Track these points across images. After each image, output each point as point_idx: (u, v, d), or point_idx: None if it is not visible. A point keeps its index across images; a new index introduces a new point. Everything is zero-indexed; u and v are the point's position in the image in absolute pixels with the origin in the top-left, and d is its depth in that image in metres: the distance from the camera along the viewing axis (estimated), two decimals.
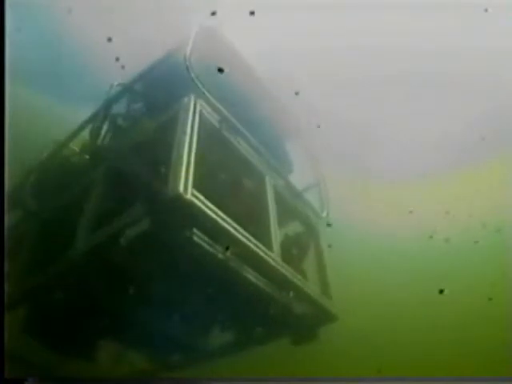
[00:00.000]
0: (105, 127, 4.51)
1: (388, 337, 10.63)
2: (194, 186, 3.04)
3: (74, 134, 4.86)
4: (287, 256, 4.00)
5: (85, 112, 4.82)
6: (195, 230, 3.20)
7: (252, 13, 4.84)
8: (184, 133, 3.32)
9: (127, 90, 4.60)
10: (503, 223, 10.73)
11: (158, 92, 4.54)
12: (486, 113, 11.56)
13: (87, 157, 4.65)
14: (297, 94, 5.37)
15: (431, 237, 10.69)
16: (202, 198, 3.03)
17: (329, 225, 4.91)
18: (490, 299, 9.52)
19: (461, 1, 9.90)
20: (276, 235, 3.83)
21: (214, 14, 4.54)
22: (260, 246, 3.47)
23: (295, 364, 8.35)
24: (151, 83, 4.56)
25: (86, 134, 4.72)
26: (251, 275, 3.61)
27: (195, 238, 3.19)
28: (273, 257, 3.59)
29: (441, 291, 7.63)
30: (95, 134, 4.49)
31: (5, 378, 3.20)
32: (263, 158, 4.31)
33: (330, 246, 4.79)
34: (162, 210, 3.02)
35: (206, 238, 3.26)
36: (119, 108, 4.74)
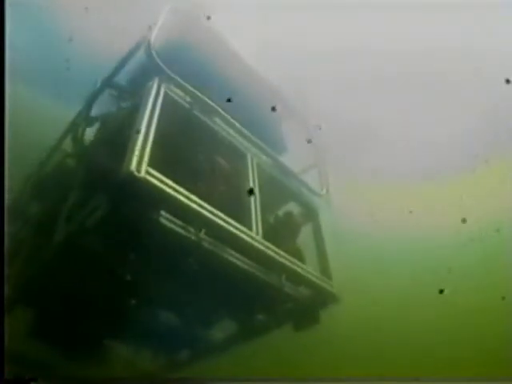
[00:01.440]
0: (86, 124, 4.49)
1: (389, 338, 10.63)
2: (159, 167, 3.03)
3: (65, 134, 4.88)
4: (274, 235, 3.91)
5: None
6: (163, 212, 3.18)
7: (209, 17, 4.70)
8: (142, 115, 3.32)
9: (105, 84, 4.54)
10: (503, 223, 10.73)
11: (131, 82, 4.63)
12: (485, 113, 11.56)
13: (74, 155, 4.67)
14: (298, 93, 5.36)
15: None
16: (161, 176, 2.99)
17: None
18: (500, 298, 9.52)
19: (461, 1, 9.90)
20: (257, 214, 3.73)
21: (209, 18, 4.53)
22: (237, 225, 3.38)
23: (298, 350, 8.34)
24: (125, 74, 4.60)
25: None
26: (233, 257, 3.55)
27: (163, 220, 3.16)
28: (252, 235, 3.50)
29: (441, 291, 7.63)
30: (77, 132, 4.52)
31: (5, 378, 3.20)
32: (246, 138, 4.25)
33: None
34: (116, 190, 2.99)
35: (176, 220, 3.23)
36: (102, 103, 4.72)
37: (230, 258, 3.54)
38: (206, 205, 3.20)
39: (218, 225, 3.25)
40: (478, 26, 10.19)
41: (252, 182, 4.00)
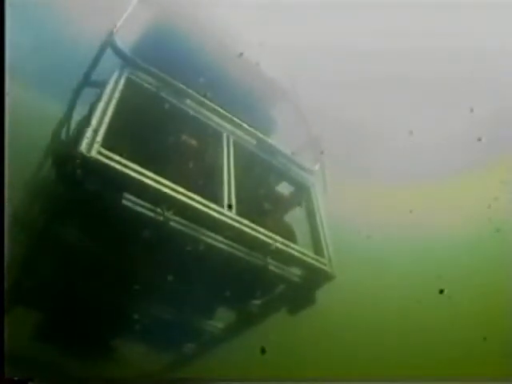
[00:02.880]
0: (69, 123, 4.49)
1: (389, 338, 10.64)
2: (122, 150, 3.04)
3: (54, 134, 4.88)
4: (256, 214, 3.88)
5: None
6: (127, 194, 3.18)
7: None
8: (99, 99, 3.37)
9: (83, 82, 4.49)
10: (504, 224, 10.72)
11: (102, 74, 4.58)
12: (485, 114, 11.56)
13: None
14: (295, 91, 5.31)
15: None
16: (116, 157, 2.99)
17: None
18: (500, 298, 9.52)
19: (461, 1, 9.90)
20: (230, 192, 3.67)
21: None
22: (205, 202, 3.32)
23: (293, 334, 8.29)
24: (99, 67, 4.62)
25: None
26: (206, 236, 3.49)
27: (126, 202, 3.17)
28: (222, 212, 3.42)
29: (441, 291, 7.62)
30: (60, 132, 4.56)
31: (4, 378, 3.20)
32: (224, 118, 4.21)
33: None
34: (71, 173, 2.97)
35: (141, 202, 3.22)
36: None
37: (203, 237, 3.48)
38: (171, 184, 3.17)
39: (184, 203, 3.21)
40: (479, 26, 10.18)
41: (226, 159, 3.94)
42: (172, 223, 3.33)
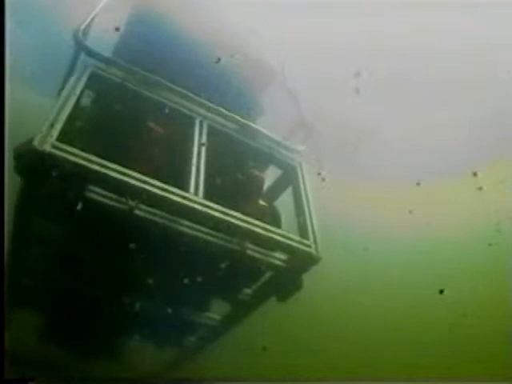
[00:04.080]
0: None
1: (388, 338, 10.64)
2: (84, 142, 3.08)
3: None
4: (231, 198, 3.79)
5: None
6: (91, 187, 3.19)
7: (117, 29, 4.72)
8: (61, 94, 3.41)
9: (65, 79, 4.56)
10: (504, 224, 10.72)
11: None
12: (485, 114, 11.55)
13: None
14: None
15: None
16: (73, 150, 3.00)
17: None
18: (500, 299, 9.51)
19: (461, 1, 9.89)
20: (199, 177, 3.58)
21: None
22: (170, 188, 3.27)
23: (282, 321, 8.24)
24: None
25: None
26: (174, 223, 3.46)
27: (88, 194, 3.18)
28: (188, 196, 3.35)
29: (441, 291, 7.62)
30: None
31: (4, 378, 3.20)
32: (198, 104, 4.17)
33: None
34: (27, 169, 2.98)
35: (104, 193, 3.23)
36: None
37: (172, 225, 3.45)
38: (133, 173, 3.15)
39: (147, 190, 3.17)
40: (480, 27, 10.18)
41: (197, 145, 3.87)
42: (137, 212, 3.31)
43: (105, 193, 3.26)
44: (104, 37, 4.53)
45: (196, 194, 3.43)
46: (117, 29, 4.68)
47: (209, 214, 3.36)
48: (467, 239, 11.54)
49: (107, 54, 4.21)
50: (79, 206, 3.20)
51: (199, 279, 4.04)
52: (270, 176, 4.80)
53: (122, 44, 4.65)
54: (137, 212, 3.32)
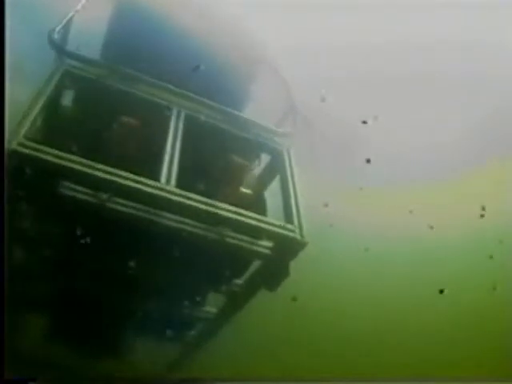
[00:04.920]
0: None
1: (388, 338, 10.64)
2: (56, 140, 3.15)
3: None
4: (209, 186, 3.79)
5: None
6: (65, 183, 3.22)
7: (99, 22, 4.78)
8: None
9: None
10: (504, 224, 10.73)
11: None
12: (485, 114, 11.55)
13: None
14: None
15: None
16: (41, 147, 3.03)
17: None
18: (500, 299, 9.51)
19: (461, 1, 9.89)
20: (171, 166, 3.54)
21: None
22: (141, 179, 3.26)
23: (283, 322, 8.18)
24: None
25: None
26: (151, 215, 3.46)
27: (62, 191, 3.21)
28: (160, 187, 3.32)
29: (441, 291, 7.62)
30: None
31: (4, 378, 3.20)
32: (177, 94, 4.16)
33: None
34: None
35: (78, 188, 3.27)
36: None
37: (145, 215, 3.45)
38: (104, 167, 3.16)
39: (116, 182, 3.17)
40: (480, 24, 10.18)
41: (172, 135, 3.85)
42: (110, 205, 3.33)
43: (78, 188, 3.29)
44: (89, 32, 4.59)
45: (168, 183, 3.37)
46: (98, 22, 4.74)
47: (182, 202, 3.30)
48: (467, 239, 11.55)
49: (93, 49, 4.37)
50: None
51: (182, 271, 4.03)
52: (257, 162, 4.72)
53: (108, 38, 4.67)
54: (110, 205, 3.33)
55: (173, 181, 3.41)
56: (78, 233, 3.60)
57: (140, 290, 4.24)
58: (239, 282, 4.39)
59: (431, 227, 10.78)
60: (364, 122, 5.72)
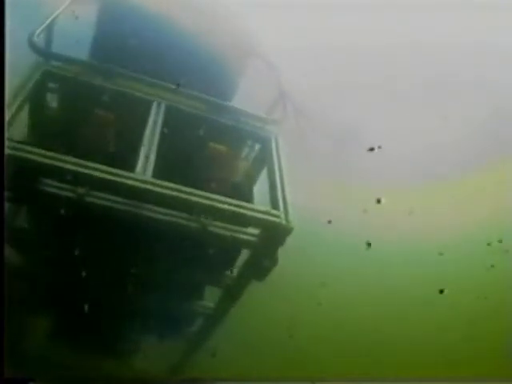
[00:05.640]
0: None
1: (388, 338, 10.64)
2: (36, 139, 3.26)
3: None
4: (190, 177, 3.70)
5: None
6: (44, 180, 3.25)
7: (76, 17, 4.84)
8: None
9: None
10: (504, 224, 10.72)
11: None
12: (485, 114, 11.55)
13: None
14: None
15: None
16: (18, 146, 3.07)
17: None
18: (500, 299, 9.50)
19: (461, 1, 9.89)
20: (148, 156, 3.50)
21: None
22: (119, 171, 3.24)
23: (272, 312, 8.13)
24: None
25: None
26: (133, 207, 3.45)
27: (43, 188, 3.24)
28: (136, 177, 3.30)
29: (441, 291, 7.62)
30: None
31: (4, 378, 3.20)
32: (155, 86, 4.16)
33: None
34: None
35: (60, 185, 3.29)
36: None
37: (125, 208, 3.44)
38: (78, 160, 3.16)
39: (89, 175, 3.16)
40: (480, 25, 10.18)
41: (151, 126, 3.83)
42: (88, 199, 3.34)
43: (56, 184, 3.30)
44: (77, 31, 4.64)
45: (144, 173, 3.34)
46: (76, 18, 4.82)
47: (159, 192, 3.27)
48: (467, 239, 11.54)
49: (82, 48, 4.47)
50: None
51: (170, 264, 4.03)
52: (247, 151, 4.72)
53: (96, 36, 4.71)
54: (88, 199, 3.34)
55: (149, 171, 3.38)
56: (61, 230, 3.65)
57: (128, 285, 4.22)
58: (230, 273, 4.35)
59: (431, 228, 10.81)
60: (371, 150, 5.73)
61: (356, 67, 11.01)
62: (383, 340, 10.50)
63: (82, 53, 4.63)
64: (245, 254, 4.06)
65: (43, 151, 3.10)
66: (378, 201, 5.63)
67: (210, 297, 4.76)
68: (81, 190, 3.31)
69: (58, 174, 3.14)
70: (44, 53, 4.02)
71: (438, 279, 9.53)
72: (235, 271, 4.30)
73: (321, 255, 10.57)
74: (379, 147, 6.04)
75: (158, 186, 3.29)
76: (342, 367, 9.38)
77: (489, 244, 10.21)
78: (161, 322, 4.79)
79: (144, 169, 3.38)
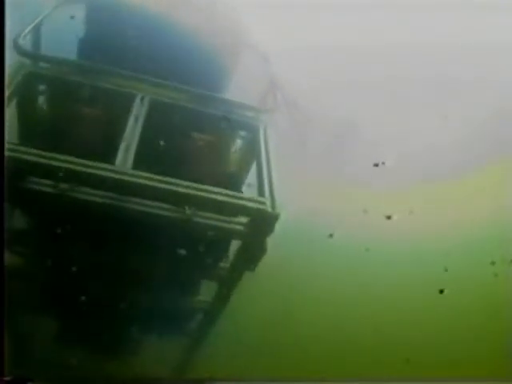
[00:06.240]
0: None
1: (388, 338, 10.63)
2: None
3: None
4: (173, 168, 3.71)
5: None
6: (31, 178, 3.28)
7: (72, 17, 4.85)
8: None
9: None
10: (504, 224, 10.72)
11: None
12: (486, 115, 11.54)
13: None
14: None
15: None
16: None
17: None
18: (500, 299, 9.49)
19: (462, 1, 9.89)
20: (129, 148, 3.50)
21: None
22: (99, 164, 3.26)
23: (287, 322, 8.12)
24: None
25: None
26: (117, 201, 3.45)
27: (30, 186, 3.27)
28: (116, 169, 3.31)
29: (441, 291, 7.62)
30: None
31: (4, 378, 3.20)
32: (139, 81, 4.17)
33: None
34: None
35: (46, 182, 3.31)
36: None
37: (110, 201, 3.44)
38: (60, 156, 3.18)
39: (70, 170, 3.17)
40: (479, 24, 10.17)
41: (133, 119, 3.82)
42: (70, 194, 3.36)
43: (38, 180, 3.33)
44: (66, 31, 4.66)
45: (123, 165, 3.34)
46: (72, 17, 4.86)
47: (139, 183, 3.25)
48: (467, 239, 11.53)
49: (71, 48, 4.50)
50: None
51: (161, 258, 4.02)
52: (234, 140, 4.68)
53: (85, 35, 4.70)
54: (71, 194, 3.36)
55: (129, 163, 3.37)
56: (48, 226, 3.67)
57: (119, 281, 4.24)
58: (224, 265, 4.33)
59: (431, 228, 10.79)
60: (375, 165, 5.75)
61: (356, 67, 11.00)
62: (381, 340, 10.49)
63: (73, 52, 4.66)
64: (234, 245, 4.06)
65: (24, 148, 3.12)
66: (389, 217, 5.65)
67: (207, 292, 4.74)
68: (63, 186, 3.33)
69: (40, 170, 3.17)
70: (29, 54, 4.04)
71: (438, 279, 9.51)
72: (227, 262, 4.29)
73: (320, 255, 10.57)
74: (383, 163, 6.06)
75: (137, 177, 3.28)
76: (342, 367, 9.37)
77: (489, 244, 10.23)
78: (153, 319, 4.78)
79: (124, 161, 3.37)
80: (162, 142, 4.02)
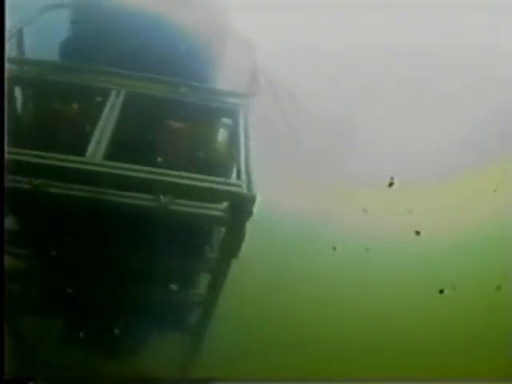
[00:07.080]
0: None
1: (388, 338, 10.63)
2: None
3: None
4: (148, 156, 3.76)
5: None
6: (12, 177, 3.25)
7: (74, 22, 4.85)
8: None
9: None
10: (504, 224, 10.71)
11: None
12: (485, 115, 11.55)
13: None
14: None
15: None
16: None
17: None
18: (501, 299, 9.50)
19: (462, 1, 9.89)
20: (101, 140, 3.49)
21: None
22: (68, 157, 3.27)
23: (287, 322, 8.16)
24: None
25: None
26: (92, 193, 3.43)
27: (11, 184, 3.25)
28: (86, 161, 3.32)
29: (441, 291, 7.62)
30: None
31: (4, 378, 3.20)
32: (114, 75, 4.19)
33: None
34: None
35: (15, 177, 3.31)
36: None
37: (84, 194, 3.42)
38: (32, 152, 3.21)
39: (41, 165, 3.21)
40: (480, 25, 10.18)
41: (107, 112, 3.82)
42: (43, 189, 3.35)
43: (14, 178, 3.32)
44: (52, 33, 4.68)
45: (94, 156, 3.36)
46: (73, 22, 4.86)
47: (110, 173, 3.26)
48: (467, 239, 11.53)
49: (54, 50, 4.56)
50: None
51: (147, 251, 3.98)
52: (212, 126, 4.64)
53: (66, 35, 4.75)
54: (44, 189, 3.35)
55: (99, 154, 3.39)
56: (25, 223, 3.69)
57: (110, 278, 4.23)
58: (212, 255, 4.31)
59: (431, 227, 10.79)
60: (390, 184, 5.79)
61: (356, 67, 11.01)
62: (381, 340, 10.49)
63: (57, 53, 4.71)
64: (217, 233, 4.02)
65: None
66: (391, 184, 5.65)
67: (197, 283, 4.68)
68: (36, 182, 3.33)
69: (13, 167, 3.15)
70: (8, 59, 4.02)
71: (438, 279, 9.52)
72: (213, 251, 4.28)
73: (320, 255, 10.57)
74: (391, 184, 6.11)
75: (107, 166, 3.29)
76: (341, 367, 9.36)
77: (489, 244, 10.22)
78: (142, 315, 4.76)
79: (94, 152, 3.38)
80: (135, 133, 4.05)
